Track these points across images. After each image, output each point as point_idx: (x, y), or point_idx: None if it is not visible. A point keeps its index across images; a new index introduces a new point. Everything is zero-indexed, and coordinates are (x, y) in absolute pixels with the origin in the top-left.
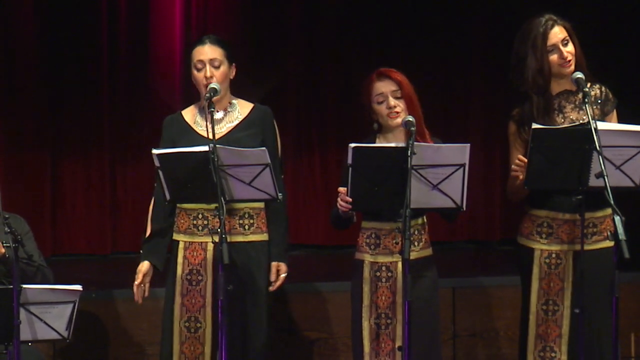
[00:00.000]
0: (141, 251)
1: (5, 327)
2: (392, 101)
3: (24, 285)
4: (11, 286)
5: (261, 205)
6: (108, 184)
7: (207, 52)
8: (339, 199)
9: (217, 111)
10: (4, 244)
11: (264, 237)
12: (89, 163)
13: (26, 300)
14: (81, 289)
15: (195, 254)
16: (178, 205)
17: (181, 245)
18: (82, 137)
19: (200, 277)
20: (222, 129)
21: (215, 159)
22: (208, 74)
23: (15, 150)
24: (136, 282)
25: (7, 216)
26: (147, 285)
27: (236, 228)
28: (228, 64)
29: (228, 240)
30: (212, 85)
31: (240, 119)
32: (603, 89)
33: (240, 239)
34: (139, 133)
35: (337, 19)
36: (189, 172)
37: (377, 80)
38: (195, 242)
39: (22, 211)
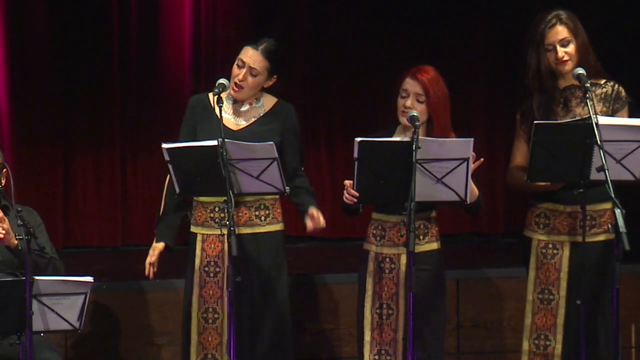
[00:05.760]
0: (155, 231)
1: (18, 318)
2: (410, 102)
3: (37, 277)
4: (24, 278)
5: (276, 196)
6: (119, 177)
7: (252, 58)
8: (344, 192)
9: (243, 102)
10: (17, 237)
11: (279, 226)
12: (100, 156)
13: (38, 291)
14: (92, 280)
15: (212, 246)
16: (195, 198)
17: (199, 237)
18: (94, 131)
19: (217, 269)
20: (246, 121)
21: (224, 153)
22: (241, 77)
23: (28, 144)
24: (149, 260)
25: (19, 209)
26: (157, 263)
27: (252, 219)
28: (267, 75)
29: (247, 232)
30: (220, 81)
31: (262, 113)
32: (616, 87)
33: (258, 230)
34: (149, 127)
35: (343, 15)
36: (198, 166)
37: (409, 77)
38: (212, 235)
39: (35, 204)
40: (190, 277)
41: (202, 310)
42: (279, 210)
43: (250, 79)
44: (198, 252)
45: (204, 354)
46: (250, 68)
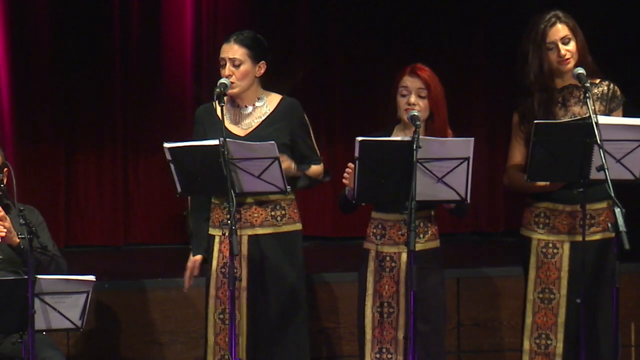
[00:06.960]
0: (190, 246)
1: (20, 317)
2: (414, 98)
3: (39, 276)
4: (26, 276)
5: (292, 196)
6: (121, 176)
7: (230, 50)
8: (345, 173)
9: (246, 106)
10: (19, 235)
11: (296, 227)
12: (102, 156)
13: (41, 290)
14: (94, 279)
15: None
16: (212, 200)
17: (216, 239)
18: (96, 130)
19: (234, 269)
20: (251, 124)
21: (226, 153)
22: (227, 72)
23: (31, 143)
24: (188, 273)
25: (22, 208)
26: (195, 273)
27: (268, 220)
28: (252, 62)
29: (264, 232)
30: (221, 81)
31: (267, 113)
32: (611, 86)
33: (273, 230)
34: (151, 127)
35: (345, 14)
36: (199, 166)
37: (407, 74)
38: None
39: (37, 203)
40: (208, 279)
41: (218, 311)
42: (295, 210)
43: (235, 71)
44: (215, 253)
45: (220, 354)
46: (231, 60)
